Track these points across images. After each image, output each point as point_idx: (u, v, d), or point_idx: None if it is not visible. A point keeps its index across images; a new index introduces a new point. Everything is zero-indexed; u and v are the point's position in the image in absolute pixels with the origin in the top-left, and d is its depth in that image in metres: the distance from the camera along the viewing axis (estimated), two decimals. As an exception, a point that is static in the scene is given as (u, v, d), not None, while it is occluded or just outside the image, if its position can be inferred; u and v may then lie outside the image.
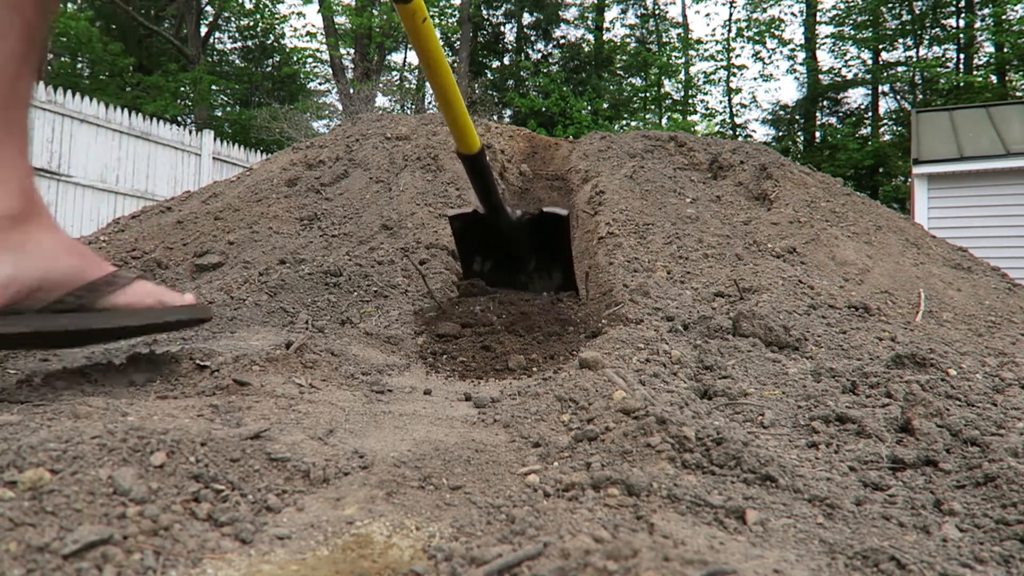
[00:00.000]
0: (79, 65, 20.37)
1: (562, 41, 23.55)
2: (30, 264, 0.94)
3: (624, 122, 22.30)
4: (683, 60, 24.23)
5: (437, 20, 21.20)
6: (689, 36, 24.70)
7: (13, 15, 0.95)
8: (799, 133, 24.14)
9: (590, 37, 23.58)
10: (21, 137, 0.97)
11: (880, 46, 21.82)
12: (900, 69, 21.68)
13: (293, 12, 38.15)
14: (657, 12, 25.17)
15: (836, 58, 26.81)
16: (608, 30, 24.56)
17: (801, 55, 23.65)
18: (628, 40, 24.91)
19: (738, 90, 25.51)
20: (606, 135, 4.14)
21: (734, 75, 25.25)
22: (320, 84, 23.36)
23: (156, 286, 1.13)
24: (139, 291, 1.08)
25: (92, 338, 1.09)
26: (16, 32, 0.96)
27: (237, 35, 23.34)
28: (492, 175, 1.93)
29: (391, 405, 1.11)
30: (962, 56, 20.34)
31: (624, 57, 23.87)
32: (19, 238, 0.93)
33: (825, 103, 23.67)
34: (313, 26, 33.49)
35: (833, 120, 23.74)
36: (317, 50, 22.12)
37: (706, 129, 24.39)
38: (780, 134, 24.58)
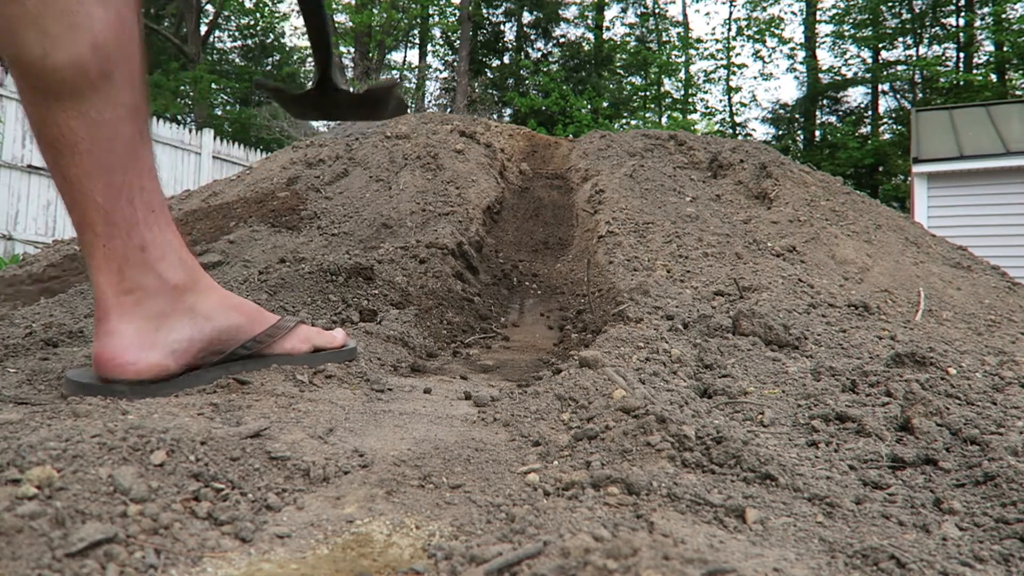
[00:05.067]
0: (79, 64, 20.31)
1: (562, 40, 23.53)
2: (204, 324, 1.06)
3: (624, 121, 22.28)
4: (683, 59, 24.22)
5: (437, 19, 21.17)
6: (689, 35, 24.69)
7: (122, 68, 0.90)
8: (799, 132, 24.12)
9: (590, 36, 23.56)
10: (162, 210, 1.01)
11: (880, 45, 21.81)
12: (900, 68, 21.66)
13: (293, 11, 38.08)
14: (657, 11, 25.16)
15: (836, 57, 26.80)
16: (608, 29, 24.55)
17: (801, 54, 23.65)
18: (628, 39, 24.89)
19: (738, 89, 25.49)
20: (606, 134, 4.13)
21: (734, 74, 25.24)
22: (320, 83, 23.30)
23: (311, 330, 1.26)
24: (298, 336, 1.22)
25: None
26: (127, 83, 0.91)
27: (237, 34, 23.33)
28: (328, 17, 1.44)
29: (391, 404, 1.11)
30: (962, 55, 20.32)
31: (624, 56, 23.85)
32: (190, 302, 1.04)
33: (825, 102, 23.65)
34: (313, 25, 33.32)
35: (833, 119, 23.74)
36: (317, 49, 22.07)
37: (706, 128, 24.38)
38: (780, 133, 24.56)
